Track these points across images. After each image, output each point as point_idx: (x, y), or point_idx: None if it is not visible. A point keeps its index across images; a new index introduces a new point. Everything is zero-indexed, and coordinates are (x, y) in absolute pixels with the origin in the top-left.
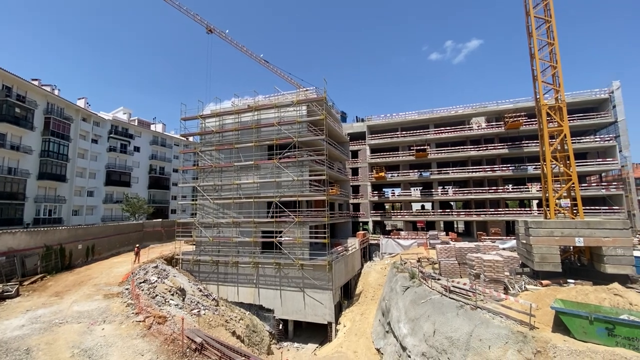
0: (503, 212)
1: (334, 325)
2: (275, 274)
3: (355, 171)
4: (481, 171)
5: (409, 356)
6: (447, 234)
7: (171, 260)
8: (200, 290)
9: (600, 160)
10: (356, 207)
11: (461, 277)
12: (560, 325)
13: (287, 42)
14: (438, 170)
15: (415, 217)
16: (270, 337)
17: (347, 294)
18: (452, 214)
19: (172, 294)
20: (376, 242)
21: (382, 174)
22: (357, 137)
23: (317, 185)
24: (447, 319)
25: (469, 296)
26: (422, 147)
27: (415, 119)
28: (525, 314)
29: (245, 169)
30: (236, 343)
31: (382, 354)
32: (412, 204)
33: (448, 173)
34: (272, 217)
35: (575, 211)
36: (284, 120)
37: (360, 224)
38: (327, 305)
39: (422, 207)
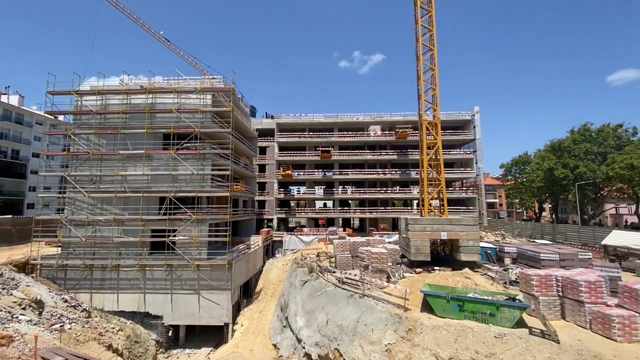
0: (391, 210)
1: (230, 326)
2: (166, 276)
3: (262, 168)
4: (375, 174)
5: (304, 347)
6: (344, 230)
7: (25, 267)
8: (66, 301)
9: (463, 169)
10: (262, 204)
11: (353, 269)
12: (427, 306)
13: (197, 29)
14: (340, 171)
15: (317, 214)
16: (157, 346)
17: (247, 293)
18: (350, 212)
19: (24, 308)
20: (280, 239)
21: (289, 172)
22: (266, 133)
23: (220, 181)
24: (339, 308)
25: (359, 286)
26: (327, 149)
27: (322, 122)
28: (402, 299)
29: (134, 159)
30: (112, 358)
31: (278, 349)
32: (315, 201)
33: (348, 174)
34: (165, 214)
35: (442, 210)
36: (185, 108)
37: (265, 221)
38: (224, 306)
39: (325, 204)
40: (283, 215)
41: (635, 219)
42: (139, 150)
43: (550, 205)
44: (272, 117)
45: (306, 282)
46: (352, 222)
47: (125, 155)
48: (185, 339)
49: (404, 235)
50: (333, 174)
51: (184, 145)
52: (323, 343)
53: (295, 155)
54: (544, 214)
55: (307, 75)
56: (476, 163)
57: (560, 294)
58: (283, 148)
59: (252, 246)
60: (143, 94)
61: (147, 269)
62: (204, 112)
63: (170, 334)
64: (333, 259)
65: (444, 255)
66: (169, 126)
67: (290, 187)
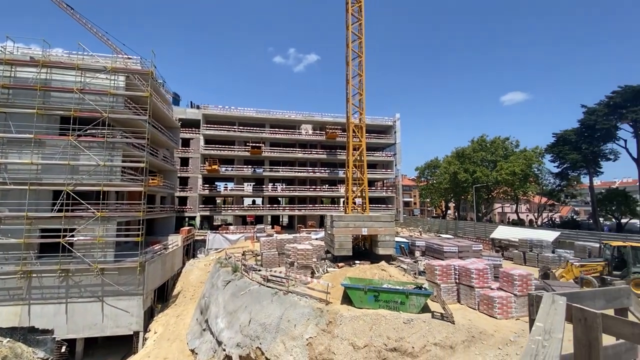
0: (319, 208)
1: (142, 334)
2: (60, 283)
3: (185, 161)
4: (305, 172)
5: (224, 349)
6: (272, 228)
7: None
8: None
9: (384, 170)
10: (183, 200)
11: (280, 266)
12: (346, 298)
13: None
14: (270, 168)
15: (246, 212)
16: None
17: (163, 297)
18: (279, 209)
19: None
20: (202, 238)
21: (216, 166)
22: (191, 124)
23: (133, 174)
24: (263, 306)
25: (284, 283)
26: (257, 145)
27: (253, 116)
28: (324, 293)
29: (18, 144)
30: None
31: (196, 354)
32: (244, 198)
33: (279, 171)
34: (60, 210)
35: (364, 208)
36: (91, 89)
37: (187, 219)
38: (134, 313)
39: (253, 202)
40: (207, 213)
41: (515, 217)
42: (26, 134)
43: (454, 204)
44: (197, 107)
45: (229, 281)
46: (281, 219)
47: (6, 139)
48: (84, 354)
49: (329, 232)
50: (263, 171)
51: (88, 131)
52: (245, 343)
53: (224, 150)
54: (449, 212)
55: (238, 66)
56: (395, 165)
57: (457, 281)
58: (210, 141)
59: (170, 246)
60: (34, 67)
61: (34, 275)
62: (114, 95)
63: (63, 350)
64: (259, 257)
65: (364, 249)
66: (69, 108)
67: (216, 183)
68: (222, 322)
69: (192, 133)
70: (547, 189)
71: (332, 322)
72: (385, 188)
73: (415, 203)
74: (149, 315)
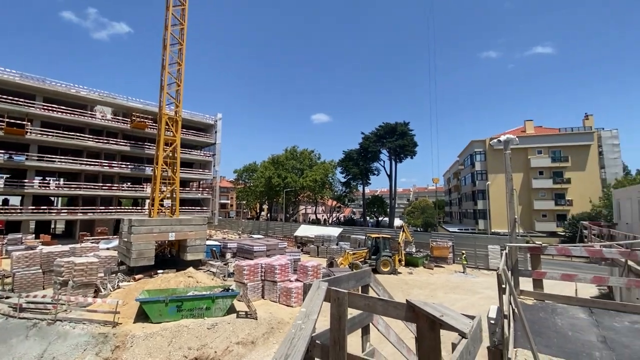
0: (115, 211)
1: None
2: None
3: None
4: (98, 165)
5: None
6: (37, 237)
7: None
8: None
9: (202, 170)
10: None
11: (44, 289)
12: (142, 314)
13: None
14: (39, 156)
15: None
16: None
17: None
18: (52, 212)
19: None
20: None
21: None
22: None
23: None
24: (11, 346)
25: (49, 309)
26: (19, 122)
27: (16, 82)
28: (112, 313)
29: None
30: None
31: None
32: None
33: (54, 161)
34: None
35: (174, 210)
36: None
37: None
38: None
39: (6, 201)
40: None
41: (314, 217)
42: None
43: (267, 207)
44: None
45: None
46: (54, 226)
47: None
48: None
49: (125, 239)
50: (27, 159)
51: None
52: None
53: None
54: (262, 213)
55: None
56: (214, 166)
57: (263, 277)
58: None
59: None
60: None
61: None
62: None
63: None
64: (9, 279)
65: (171, 256)
66: None
67: None
68: None
69: None
70: (337, 194)
71: (120, 346)
72: (201, 189)
73: (232, 205)
74: None
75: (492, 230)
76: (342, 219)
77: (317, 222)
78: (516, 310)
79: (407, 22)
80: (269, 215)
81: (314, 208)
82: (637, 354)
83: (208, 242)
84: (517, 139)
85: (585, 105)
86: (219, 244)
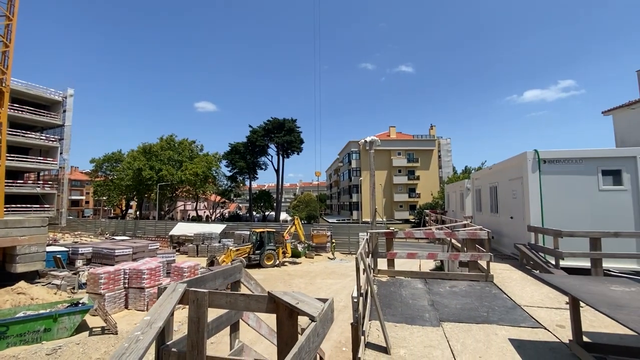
0: None
1: None
2: None
3: None
4: None
5: None
6: None
7: None
8: None
9: (42, 158)
10: None
11: None
12: None
13: None
14: None
15: None
16: None
17: None
18: None
19: None
20: None
21: None
22: None
23: None
24: None
25: None
26: None
27: None
28: None
29: None
30: None
31: None
32: None
33: None
34: None
35: None
36: None
37: None
38: None
39: None
40: None
41: (195, 213)
42: None
43: (136, 203)
44: None
45: None
46: None
47: None
48: None
49: None
50: None
51: None
52: None
53: None
54: (130, 211)
55: None
56: (61, 153)
57: (127, 285)
58: None
59: None
60: None
61: None
62: None
63: None
64: None
65: None
66: None
67: None
68: None
69: None
70: (221, 189)
71: None
72: (42, 182)
73: (88, 202)
74: None
75: (363, 220)
76: (226, 215)
77: (198, 219)
78: (369, 288)
79: (298, 19)
80: (138, 213)
81: (195, 204)
82: (452, 310)
83: (51, 248)
84: (379, 140)
85: (431, 116)
86: (66, 249)
